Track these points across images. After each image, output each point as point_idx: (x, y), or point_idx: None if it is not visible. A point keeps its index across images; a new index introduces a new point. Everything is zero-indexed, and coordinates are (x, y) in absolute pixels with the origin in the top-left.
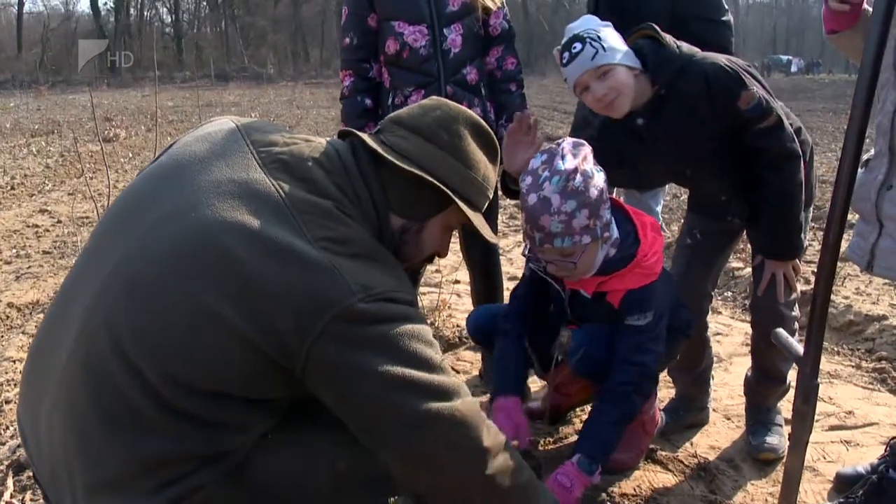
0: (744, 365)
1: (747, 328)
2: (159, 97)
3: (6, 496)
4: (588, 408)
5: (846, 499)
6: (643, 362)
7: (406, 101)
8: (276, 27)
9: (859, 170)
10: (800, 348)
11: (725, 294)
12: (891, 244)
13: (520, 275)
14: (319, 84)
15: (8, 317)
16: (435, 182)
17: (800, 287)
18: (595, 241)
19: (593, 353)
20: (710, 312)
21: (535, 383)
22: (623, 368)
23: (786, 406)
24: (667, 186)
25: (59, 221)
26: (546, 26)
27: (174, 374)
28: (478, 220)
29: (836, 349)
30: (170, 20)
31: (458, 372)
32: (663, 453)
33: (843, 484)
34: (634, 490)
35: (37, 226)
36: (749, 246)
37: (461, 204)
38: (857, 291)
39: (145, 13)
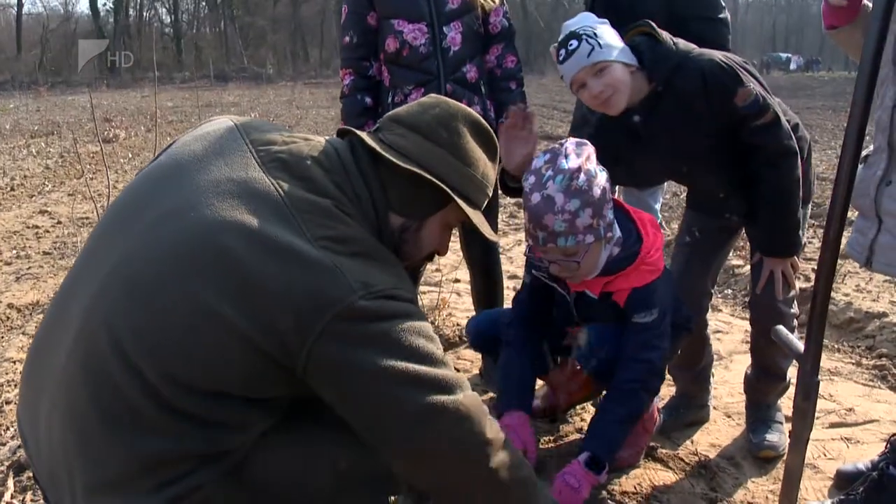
0: (744, 362)
1: (747, 326)
2: (159, 98)
3: (7, 497)
4: (588, 406)
5: (847, 496)
6: (650, 359)
7: (406, 99)
8: (276, 27)
9: (858, 166)
10: (800, 345)
11: (725, 292)
12: (890, 240)
13: (520, 273)
14: (319, 84)
15: (8, 318)
16: (434, 180)
17: (799, 284)
18: (598, 241)
19: (612, 353)
20: (709, 310)
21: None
22: (630, 366)
23: (786, 403)
24: (666, 185)
25: (59, 222)
26: (542, 24)
27: (174, 373)
28: (477, 217)
29: (836, 346)
30: (169, 21)
31: (458, 370)
32: (664, 451)
33: (844, 481)
34: (635, 488)
35: (37, 227)
36: (748, 243)
37: (460, 202)
38: (857, 289)
39: (144, 14)
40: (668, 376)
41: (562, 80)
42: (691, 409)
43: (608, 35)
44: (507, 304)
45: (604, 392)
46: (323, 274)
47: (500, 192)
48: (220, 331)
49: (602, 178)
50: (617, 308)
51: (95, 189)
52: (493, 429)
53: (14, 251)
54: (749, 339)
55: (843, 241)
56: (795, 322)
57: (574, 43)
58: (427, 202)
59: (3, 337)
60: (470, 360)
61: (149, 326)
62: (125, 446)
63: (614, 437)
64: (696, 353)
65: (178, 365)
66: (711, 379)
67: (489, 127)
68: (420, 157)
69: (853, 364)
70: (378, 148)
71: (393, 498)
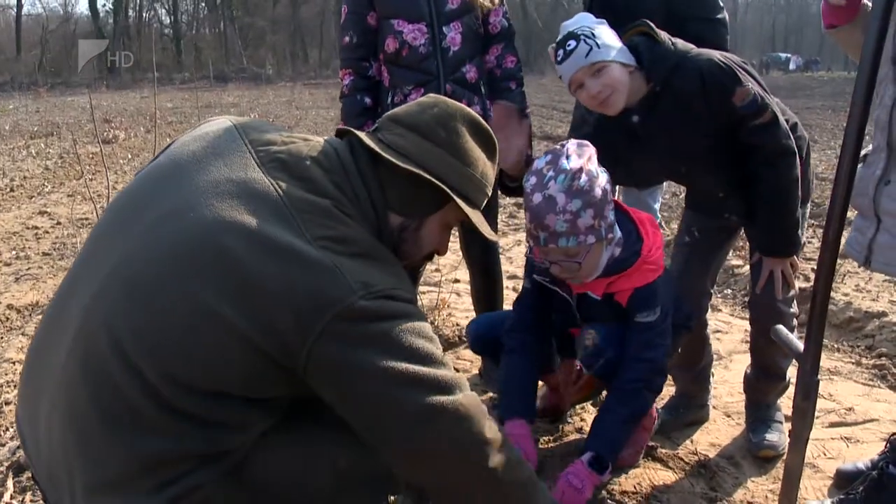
0: (743, 362)
1: (747, 325)
2: (158, 98)
3: (6, 497)
4: (589, 406)
5: (846, 495)
6: (652, 358)
7: (405, 99)
8: (275, 28)
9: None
10: (799, 345)
11: (725, 291)
12: (888, 239)
13: (520, 273)
14: (318, 84)
15: (7, 318)
16: (433, 180)
17: (799, 284)
18: (600, 242)
19: (617, 354)
20: (709, 310)
21: None
22: (633, 365)
23: (786, 403)
24: (665, 185)
25: (59, 223)
26: (541, 24)
27: (174, 373)
28: (476, 217)
29: (836, 346)
30: (168, 21)
31: (458, 370)
32: (663, 451)
33: (844, 480)
34: (635, 487)
35: (36, 227)
36: (748, 243)
37: (459, 201)
38: (856, 288)
39: (144, 14)
40: (668, 376)
41: (560, 79)
42: (691, 409)
43: (606, 35)
44: (507, 305)
45: (604, 392)
46: (323, 274)
47: (499, 192)
48: (219, 331)
49: (603, 178)
50: (619, 308)
51: (95, 190)
52: (492, 429)
53: (13, 252)
54: (749, 339)
55: (843, 240)
56: (795, 322)
57: (572, 43)
58: (426, 202)
59: (2, 337)
60: (470, 360)
61: (149, 327)
62: (125, 446)
63: (617, 437)
64: (695, 352)
65: (177, 365)
66: (711, 379)
67: (488, 127)
68: (419, 156)
69: (853, 363)
70: (377, 148)
71: (393, 498)
